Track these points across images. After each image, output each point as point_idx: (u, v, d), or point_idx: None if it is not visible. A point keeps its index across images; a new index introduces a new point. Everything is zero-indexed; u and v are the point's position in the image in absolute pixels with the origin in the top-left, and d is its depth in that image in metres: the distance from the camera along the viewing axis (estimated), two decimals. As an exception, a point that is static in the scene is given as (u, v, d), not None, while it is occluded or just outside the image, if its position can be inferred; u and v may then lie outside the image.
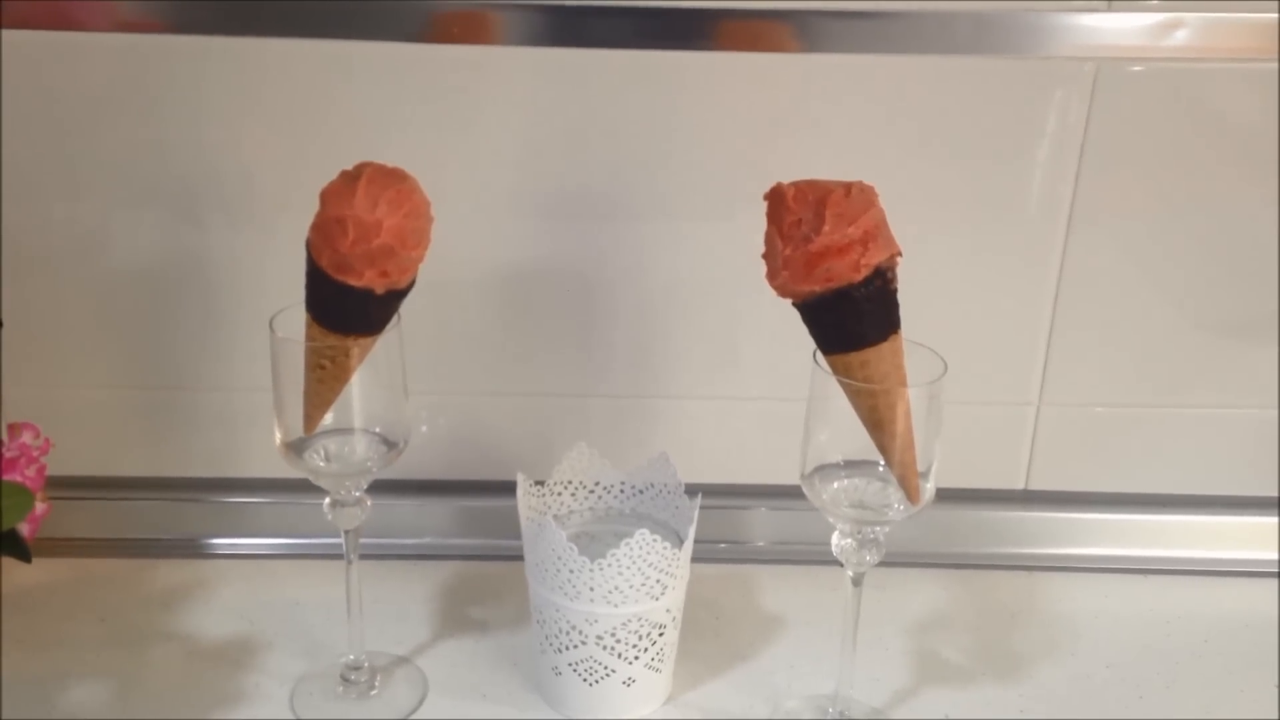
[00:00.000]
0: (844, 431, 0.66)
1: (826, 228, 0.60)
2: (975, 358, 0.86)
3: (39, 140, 0.80)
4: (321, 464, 0.71)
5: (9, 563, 0.71)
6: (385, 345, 0.69)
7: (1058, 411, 0.89)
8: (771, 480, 0.90)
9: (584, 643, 0.72)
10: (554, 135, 0.81)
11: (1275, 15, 0.77)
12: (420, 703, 0.76)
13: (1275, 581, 0.88)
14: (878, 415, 0.64)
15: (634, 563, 0.70)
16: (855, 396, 0.64)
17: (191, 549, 0.89)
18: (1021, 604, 0.86)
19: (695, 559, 0.74)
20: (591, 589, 0.70)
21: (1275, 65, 0.78)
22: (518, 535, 0.75)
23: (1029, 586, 0.88)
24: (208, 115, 0.80)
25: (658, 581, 0.71)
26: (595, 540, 0.78)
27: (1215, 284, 0.85)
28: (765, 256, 0.64)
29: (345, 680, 0.77)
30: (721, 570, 0.88)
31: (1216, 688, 0.79)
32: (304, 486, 0.73)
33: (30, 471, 0.71)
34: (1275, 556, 0.90)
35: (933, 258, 0.82)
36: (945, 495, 0.69)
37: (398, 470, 0.73)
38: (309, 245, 0.65)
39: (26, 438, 0.72)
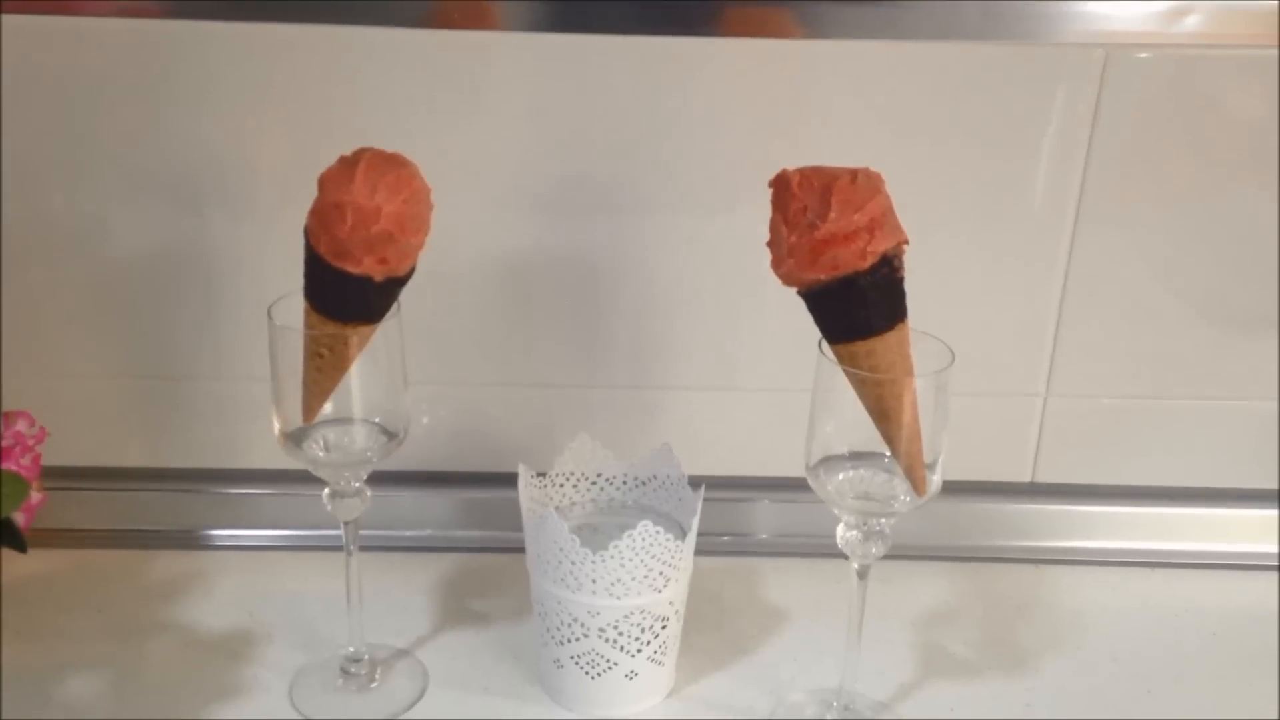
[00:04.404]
0: (850, 422, 0.65)
1: (832, 215, 0.60)
2: (982, 349, 0.85)
3: (38, 127, 0.79)
4: (321, 454, 0.70)
5: (5, 553, 0.71)
6: (385, 334, 0.68)
7: (1065, 403, 0.88)
8: (775, 472, 0.89)
9: (586, 635, 0.72)
10: (556, 122, 0.80)
11: (1288, 2, 0.76)
12: (420, 695, 0.76)
13: (1284, 575, 0.88)
14: (884, 405, 0.63)
15: (636, 555, 0.69)
16: (861, 386, 0.63)
17: (190, 540, 0.89)
18: (1027, 597, 0.86)
19: (697, 551, 0.74)
20: (594, 581, 0.70)
21: (1288, 53, 0.78)
22: (519, 527, 0.74)
23: (1035, 579, 0.88)
24: (208, 102, 0.79)
25: (660, 574, 0.70)
26: (597, 532, 0.77)
27: (1224, 275, 0.84)
28: (770, 244, 0.63)
29: (345, 673, 0.76)
30: (724, 563, 0.88)
31: (1225, 682, 0.78)
32: (303, 477, 0.73)
33: (25, 460, 0.70)
34: (1284, 550, 0.89)
35: (939, 246, 0.81)
36: (951, 487, 0.69)
37: (398, 461, 0.72)
38: (307, 232, 0.65)
39: (21, 426, 0.71)
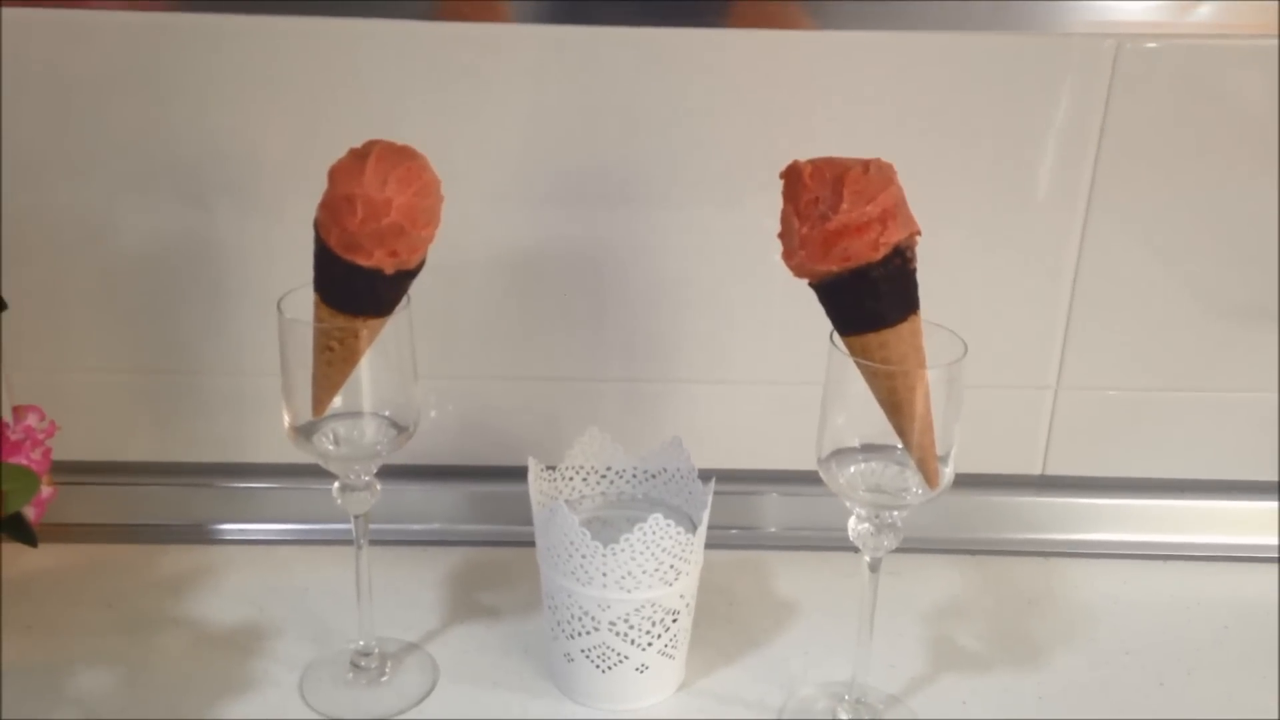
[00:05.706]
0: (862, 414, 0.64)
1: (844, 206, 0.59)
2: (993, 341, 0.85)
3: (42, 121, 0.79)
4: (330, 448, 0.70)
5: (15, 548, 0.71)
6: (394, 327, 0.68)
7: (1076, 396, 0.87)
8: (784, 465, 0.89)
9: (596, 629, 0.72)
10: (564, 114, 0.80)
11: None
12: (431, 689, 0.75)
13: (1297, 567, 0.88)
14: (896, 397, 0.63)
15: (647, 548, 0.69)
16: (873, 378, 0.63)
17: (199, 534, 0.89)
18: (1039, 590, 0.85)
19: (707, 545, 0.73)
20: (604, 574, 0.70)
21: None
22: (529, 521, 0.74)
23: (1046, 572, 0.87)
24: (214, 95, 0.79)
25: (671, 567, 0.70)
26: (608, 525, 0.77)
27: (1237, 267, 0.84)
28: (781, 236, 0.63)
29: (355, 666, 0.76)
30: (734, 556, 0.88)
31: (1238, 675, 0.78)
32: (313, 471, 0.73)
33: (36, 454, 0.70)
34: (1296, 542, 0.89)
35: (950, 239, 0.81)
36: (962, 480, 0.68)
37: (407, 455, 0.72)
38: (317, 224, 0.64)
39: (32, 420, 0.71)
